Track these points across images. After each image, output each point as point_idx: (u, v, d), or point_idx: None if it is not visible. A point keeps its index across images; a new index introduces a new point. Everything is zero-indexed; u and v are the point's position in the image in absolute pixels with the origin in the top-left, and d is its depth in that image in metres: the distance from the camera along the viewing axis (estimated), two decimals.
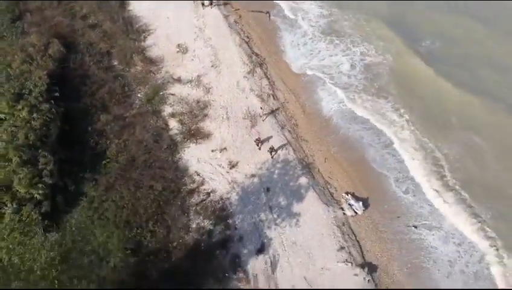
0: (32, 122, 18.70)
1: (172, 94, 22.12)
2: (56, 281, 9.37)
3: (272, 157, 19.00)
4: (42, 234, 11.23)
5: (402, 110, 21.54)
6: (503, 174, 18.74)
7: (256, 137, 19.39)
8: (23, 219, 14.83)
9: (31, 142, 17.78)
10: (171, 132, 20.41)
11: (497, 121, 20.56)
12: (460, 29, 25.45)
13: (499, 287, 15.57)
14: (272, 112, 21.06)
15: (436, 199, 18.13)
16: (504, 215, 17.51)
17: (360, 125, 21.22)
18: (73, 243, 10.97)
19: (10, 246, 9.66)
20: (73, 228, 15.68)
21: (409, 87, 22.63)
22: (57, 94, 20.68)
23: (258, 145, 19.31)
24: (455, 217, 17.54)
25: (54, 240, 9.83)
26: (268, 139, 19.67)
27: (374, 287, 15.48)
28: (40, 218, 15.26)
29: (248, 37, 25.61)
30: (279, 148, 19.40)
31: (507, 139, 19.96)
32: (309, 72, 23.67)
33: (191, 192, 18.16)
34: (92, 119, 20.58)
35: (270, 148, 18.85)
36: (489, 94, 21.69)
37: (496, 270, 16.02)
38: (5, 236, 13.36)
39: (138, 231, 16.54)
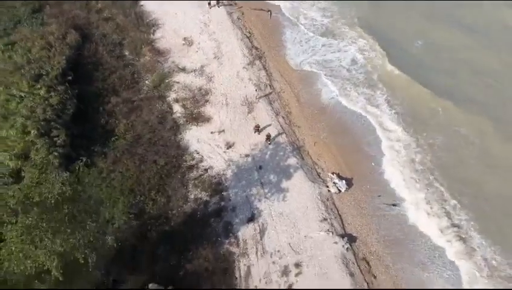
0: (49, 100, 20.74)
1: (177, 82, 24.04)
2: (67, 211, 11.02)
3: (268, 142, 20.59)
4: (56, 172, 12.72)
5: (389, 105, 23.31)
6: (477, 165, 20.24)
7: (256, 124, 21.06)
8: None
9: (47, 117, 19.76)
10: (174, 115, 22.30)
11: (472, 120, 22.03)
12: (441, 35, 27.03)
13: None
14: (266, 95, 22.95)
15: (412, 184, 19.74)
16: (476, 200, 19.01)
17: (349, 116, 22.94)
18: (84, 193, 12.66)
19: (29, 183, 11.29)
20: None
21: (393, 86, 24.31)
22: (70, 78, 22.75)
23: (257, 132, 20.95)
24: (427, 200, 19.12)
25: (65, 177, 11.47)
26: (265, 126, 21.34)
27: (353, 256, 17.09)
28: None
29: (250, 33, 27.56)
30: (269, 129, 21.08)
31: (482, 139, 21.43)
32: (305, 67, 25.50)
33: (191, 168, 19.96)
34: (103, 101, 22.59)
35: (266, 135, 20.53)
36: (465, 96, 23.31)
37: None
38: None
39: (141, 198, 18.36)
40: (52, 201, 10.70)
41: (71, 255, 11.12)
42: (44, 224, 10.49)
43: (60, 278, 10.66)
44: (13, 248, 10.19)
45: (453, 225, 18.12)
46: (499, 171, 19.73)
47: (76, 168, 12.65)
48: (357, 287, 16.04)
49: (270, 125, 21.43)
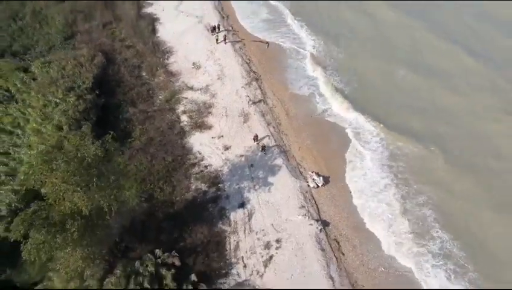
0: (78, 106, 25.09)
1: (185, 97, 28.36)
2: (97, 170, 14.67)
3: (262, 149, 24.23)
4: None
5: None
6: None
7: (255, 134, 24.86)
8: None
9: (77, 118, 24.02)
10: (181, 124, 26.40)
11: None
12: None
13: None
14: (259, 102, 27.76)
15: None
16: None
17: (330, 128, 26.83)
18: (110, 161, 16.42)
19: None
20: None
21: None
22: (96, 91, 27.24)
23: (255, 141, 24.69)
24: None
25: (98, 144, 15.11)
26: (262, 137, 25.01)
27: (325, 236, 20.36)
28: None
29: (249, 59, 32.24)
30: (264, 138, 25.03)
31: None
32: (295, 89, 29.77)
33: (193, 165, 23.75)
34: (122, 110, 26.89)
35: (262, 145, 24.25)
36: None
37: None
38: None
39: (151, 186, 22.02)
40: (89, 159, 14.57)
41: (99, 203, 14.78)
42: (80, 176, 14.30)
43: (88, 217, 14.31)
44: (58, 189, 13.88)
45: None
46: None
47: (106, 140, 16.49)
48: (331, 266, 19.20)
49: (267, 136, 25.29)
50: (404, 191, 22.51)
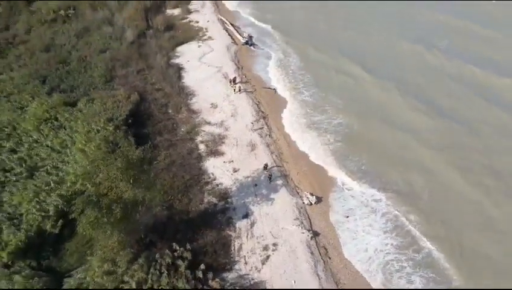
0: (116, 133, 30.49)
1: (203, 130, 33.58)
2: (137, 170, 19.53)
3: (269, 177, 28.46)
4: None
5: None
6: None
7: (265, 163, 29.31)
8: None
9: (115, 142, 29.28)
10: (199, 151, 31.29)
11: None
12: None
13: None
14: (260, 129, 32.97)
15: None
16: None
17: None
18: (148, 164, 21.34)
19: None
20: None
21: None
22: (130, 121, 32.85)
23: (265, 169, 29.07)
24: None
25: (141, 149, 20.00)
26: (271, 166, 29.44)
27: (315, 243, 24.02)
28: None
29: (258, 102, 37.82)
30: (272, 168, 29.56)
31: None
32: (294, 126, 34.79)
33: (207, 183, 28.22)
34: (151, 138, 32.10)
35: (269, 174, 28.71)
36: None
37: None
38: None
39: (171, 198, 26.48)
40: (134, 159, 19.42)
41: (135, 195, 19.34)
42: (126, 171, 19.06)
43: (127, 205, 18.86)
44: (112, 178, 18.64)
45: None
46: None
47: (146, 148, 21.41)
48: (318, 267, 22.74)
49: (276, 166, 29.86)
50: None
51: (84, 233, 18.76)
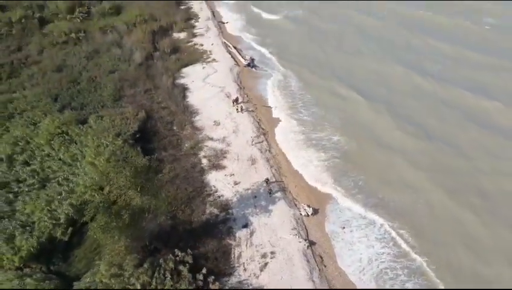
0: (123, 147, 32.22)
1: (206, 146, 35.30)
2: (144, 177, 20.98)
3: (269, 191, 29.86)
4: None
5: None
6: None
7: (266, 178, 30.52)
8: None
9: (122, 155, 30.96)
10: (202, 165, 32.90)
11: None
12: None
13: None
14: (259, 141, 34.70)
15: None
16: None
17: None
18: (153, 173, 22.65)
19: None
20: None
21: None
22: (137, 136, 34.69)
23: (266, 183, 30.56)
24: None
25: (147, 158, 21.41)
26: (268, 178, 31.03)
27: (311, 252, 25.21)
28: None
29: (259, 119, 39.69)
30: (273, 182, 31.05)
31: None
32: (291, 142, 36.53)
33: (209, 195, 29.69)
34: (156, 153, 33.80)
35: (269, 189, 30.15)
36: None
37: None
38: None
39: (175, 208, 27.92)
40: (141, 168, 21.03)
41: (142, 202, 20.85)
42: (134, 179, 20.64)
43: (134, 211, 20.34)
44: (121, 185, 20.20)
45: None
46: None
47: (152, 158, 23.03)
48: (314, 273, 23.90)
49: (276, 181, 31.34)
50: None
51: (95, 236, 20.18)
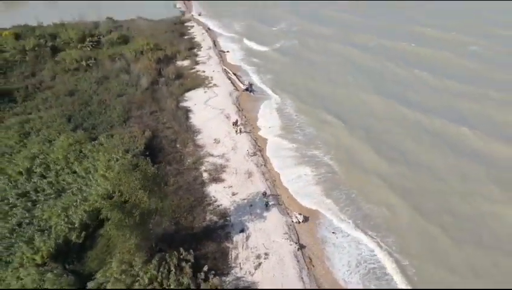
0: (132, 161, 35.33)
1: (207, 161, 38.50)
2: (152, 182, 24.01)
3: (266, 203, 32.80)
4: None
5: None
6: None
7: (263, 191, 33.86)
8: None
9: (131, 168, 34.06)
10: (203, 178, 35.98)
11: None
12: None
13: None
14: (254, 154, 37.86)
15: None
16: None
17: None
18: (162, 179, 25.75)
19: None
20: None
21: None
22: (146, 153, 37.98)
23: (264, 196, 33.63)
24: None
25: (155, 167, 24.34)
26: (270, 194, 34.08)
27: (301, 253, 27.88)
28: None
29: (256, 138, 43.12)
30: (270, 195, 34.10)
31: None
32: (284, 162, 39.74)
33: (209, 204, 32.61)
34: (162, 167, 36.97)
35: (266, 201, 33.22)
36: None
37: None
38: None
39: (177, 215, 30.79)
40: (150, 174, 24.12)
41: (150, 204, 23.81)
42: (144, 182, 23.69)
43: (144, 212, 23.27)
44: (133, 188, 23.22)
45: None
46: None
47: (159, 166, 26.11)
48: (303, 272, 26.52)
49: (273, 194, 34.32)
50: None
51: (110, 233, 23.04)
